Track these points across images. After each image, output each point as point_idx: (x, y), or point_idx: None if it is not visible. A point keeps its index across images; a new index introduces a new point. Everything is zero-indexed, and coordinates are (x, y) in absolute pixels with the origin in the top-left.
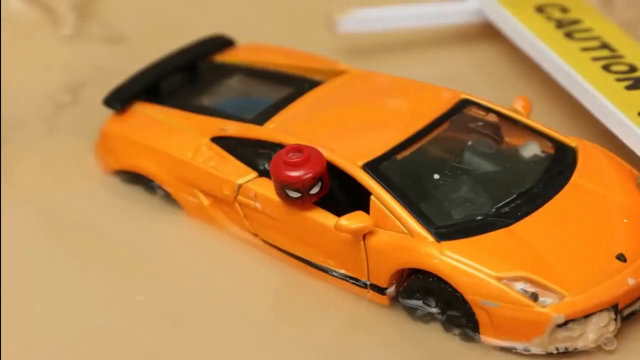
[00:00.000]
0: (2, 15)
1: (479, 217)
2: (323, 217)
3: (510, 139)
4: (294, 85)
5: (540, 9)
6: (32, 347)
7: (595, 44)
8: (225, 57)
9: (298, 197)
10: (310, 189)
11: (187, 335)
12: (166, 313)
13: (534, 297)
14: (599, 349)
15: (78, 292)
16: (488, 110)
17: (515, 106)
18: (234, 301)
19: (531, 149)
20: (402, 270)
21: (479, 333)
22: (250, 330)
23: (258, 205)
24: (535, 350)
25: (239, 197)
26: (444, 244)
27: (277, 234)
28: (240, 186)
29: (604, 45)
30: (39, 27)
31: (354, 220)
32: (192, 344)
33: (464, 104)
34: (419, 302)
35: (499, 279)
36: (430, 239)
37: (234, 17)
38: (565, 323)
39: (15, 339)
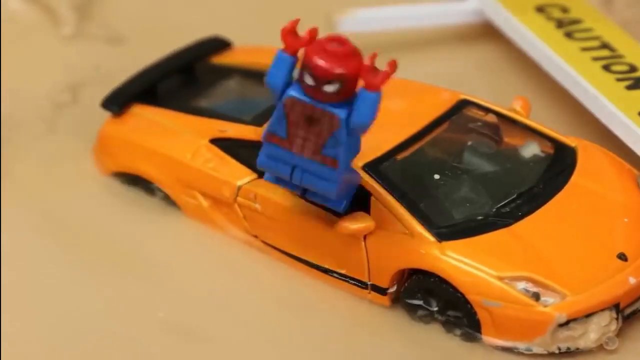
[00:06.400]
0: (2, 15)
1: (480, 217)
2: (323, 218)
3: (510, 139)
4: None
5: (540, 9)
6: (29, 347)
7: (595, 43)
8: (223, 59)
9: (310, 86)
10: (326, 84)
11: (187, 336)
12: (166, 315)
13: (536, 296)
14: (600, 348)
15: (76, 293)
16: (487, 110)
17: (514, 106)
18: (234, 302)
19: (531, 149)
20: (403, 271)
21: (480, 333)
22: (250, 331)
23: (258, 206)
24: (537, 350)
25: (239, 199)
26: (445, 244)
27: (277, 235)
28: (239, 188)
29: (604, 45)
30: (39, 27)
31: (354, 221)
32: (192, 346)
33: (463, 104)
34: (420, 303)
35: (501, 278)
36: (431, 239)
37: (232, 19)
38: (567, 322)
39: (12, 340)
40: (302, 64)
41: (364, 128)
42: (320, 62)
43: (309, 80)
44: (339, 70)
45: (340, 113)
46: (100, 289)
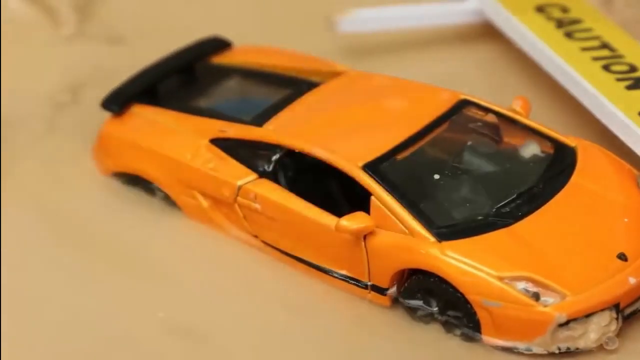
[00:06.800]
0: (2, 15)
1: (480, 217)
2: (323, 218)
3: (510, 139)
4: (292, 86)
5: (540, 9)
6: (29, 348)
7: (595, 43)
8: (223, 59)
9: None
10: None
11: (187, 336)
12: (166, 315)
13: (536, 296)
14: (600, 348)
15: (76, 293)
16: (487, 110)
17: (514, 106)
18: (234, 302)
19: (531, 149)
20: (403, 271)
21: (480, 333)
22: (250, 332)
23: (258, 206)
24: (537, 350)
25: (239, 199)
26: (445, 244)
27: (277, 235)
28: (240, 187)
29: (604, 45)
30: (39, 27)
31: (354, 221)
32: (192, 346)
33: (463, 104)
34: (420, 303)
35: (501, 278)
36: (431, 239)
37: (232, 19)
38: (567, 322)
39: (12, 340)
40: None
41: None
42: None
43: None
44: None
45: None
46: (100, 289)
